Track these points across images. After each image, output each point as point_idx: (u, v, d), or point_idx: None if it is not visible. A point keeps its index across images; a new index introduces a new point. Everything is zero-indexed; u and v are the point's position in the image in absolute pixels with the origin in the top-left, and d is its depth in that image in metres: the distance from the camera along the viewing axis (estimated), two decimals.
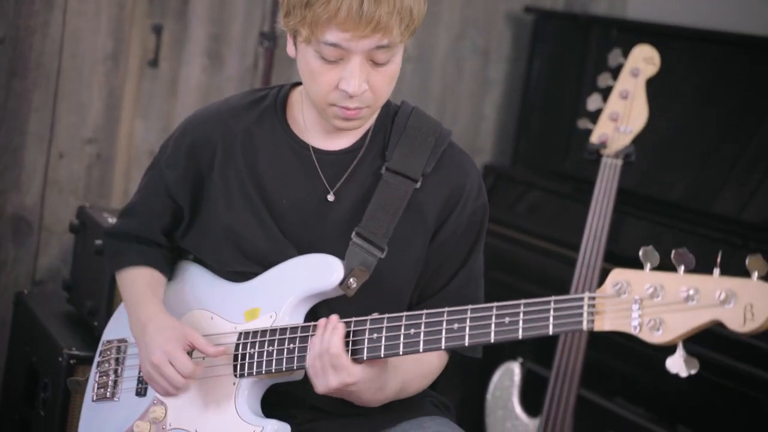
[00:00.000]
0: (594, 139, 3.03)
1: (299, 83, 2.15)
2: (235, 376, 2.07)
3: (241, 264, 2.13)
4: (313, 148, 2.13)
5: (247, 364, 2.06)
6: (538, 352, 3.37)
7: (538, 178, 3.80)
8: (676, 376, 2.97)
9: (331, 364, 1.92)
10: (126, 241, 2.26)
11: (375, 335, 1.92)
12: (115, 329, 2.32)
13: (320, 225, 2.11)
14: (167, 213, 2.21)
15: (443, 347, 1.89)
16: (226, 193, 2.14)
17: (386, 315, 1.93)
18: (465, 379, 2.20)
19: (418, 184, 2.10)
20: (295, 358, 2.01)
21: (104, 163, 3.56)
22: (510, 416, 3.21)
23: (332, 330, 1.94)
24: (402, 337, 1.91)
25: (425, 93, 3.98)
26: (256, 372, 2.05)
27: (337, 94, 1.99)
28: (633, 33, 3.58)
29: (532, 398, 3.21)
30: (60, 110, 3.47)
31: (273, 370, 2.03)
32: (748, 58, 3.40)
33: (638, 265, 3.06)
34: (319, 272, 2.05)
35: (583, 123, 3.07)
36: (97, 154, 3.54)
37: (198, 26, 3.63)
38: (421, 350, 1.89)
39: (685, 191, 3.39)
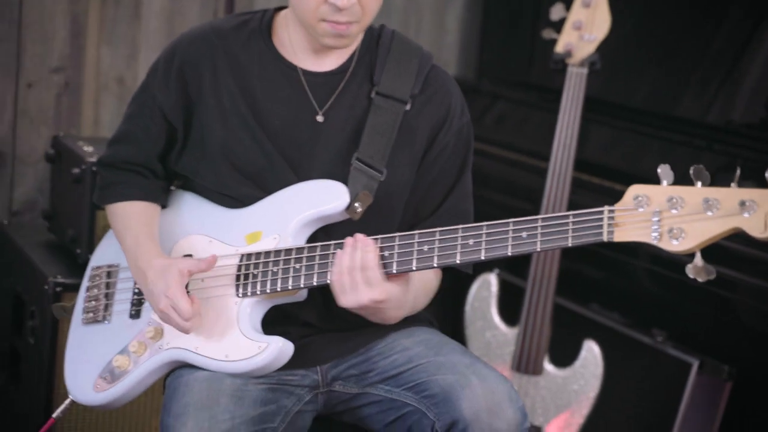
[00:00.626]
0: (559, 48, 3.07)
1: (281, 8, 2.22)
2: (238, 295, 2.13)
3: (238, 183, 2.19)
4: (301, 69, 2.19)
5: (250, 284, 2.12)
6: (512, 262, 3.44)
7: (503, 90, 3.85)
8: (650, 280, 3.08)
9: (365, 280, 2.00)
10: (120, 170, 2.29)
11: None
12: (103, 255, 2.37)
13: (312, 145, 2.17)
14: (162, 136, 2.24)
15: (458, 261, 1.99)
16: (219, 112, 2.19)
17: (416, 231, 2.02)
18: (442, 292, 2.27)
19: (408, 106, 2.18)
20: (302, 276, 2.08)
21: (73, 91, 3.56)
22: (489, 326, 3.29)
23: (364, 247, 2.00)
24: (437, 250, 2.00)
25: (388, 7, 3.99)
26: (260, 291, 2.11)
27: (327, 8, 2.05)
28: None
29: (509, 308, 3.29)
30: (25, 40, 3.46)
31: (278, 289, 2.10)
32: None
33: (606, 172, 3.14)
34: (326, 197, 2.12)
35: (547, 33, 3.11)
36: (65, 82, 3.54)
37: None
38: (458, 261, 1.99)
39: (648, 96, 3.45)
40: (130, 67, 3.65)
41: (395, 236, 2.03)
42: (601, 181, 3.29)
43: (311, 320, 2.18)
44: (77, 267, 2.81)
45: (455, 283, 3.41)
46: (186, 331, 2.12)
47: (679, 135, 3.23)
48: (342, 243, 2.05)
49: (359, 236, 2.03)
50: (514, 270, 3.42)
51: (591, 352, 3.12)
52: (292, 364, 2.11)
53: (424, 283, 2.18)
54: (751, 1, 3.24)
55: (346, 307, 2.03)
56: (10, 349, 3.04)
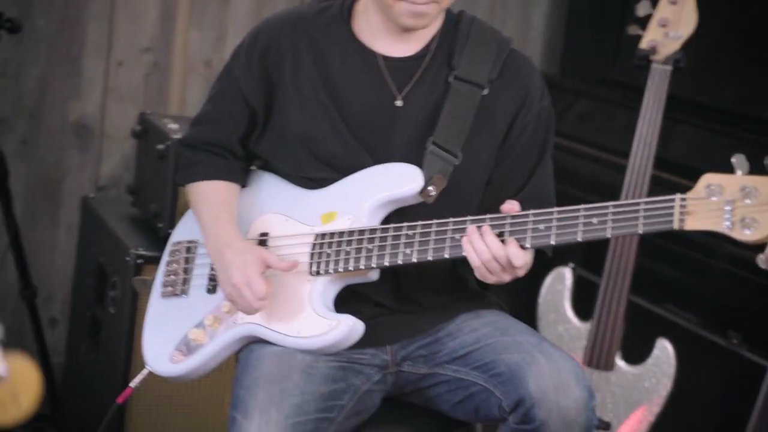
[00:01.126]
0: (644, 45, 3.05)
1: None
2: (311, 273, 2.17)
3: (315, 168, 2.23)
4: (381, 55, 2.22)
5: (323, 263, 2.16)
6: (588, 257, 3.44)
7: (586, 86, 3.85)
8: (727, 282, 3.07)
9: (507, 265, 2.01)
10: (202, 151, 2.34)
11: (542, 226, 2.00)
12: (183, 231, 2.42)
13: (390, 130, 2.21)
14: (243, 118, 2.29)
15: (528, 246, 2.00)
16: (299, 98, 2.23)
17: (532, 210, 2.02)
18: (516, 283, 2.29)
19: (486, 91, 2.20)
20: (374, 257, 2.12)
21: (161, 71, 3.64)
22: (562, 320, 3.29)
23: (486, 237, 2.01)
24: (554, 228, 2.00)
25: (474, 2, 4.01)
26: (333, 270, 2.15)
27: None
28: None
29: (583, 303, 3.29)
30: (117, 20, 3.54)
31: (351, 268, 2.13)
32: None
33: (689, 172, 3.12)
34: (400, 180, 2.16)
35: (632, 29, 3.10)
36: (154, 62, 3.63)
37: None
38: (527, 246, 2.01)
39: (735, 97, 3.43)
40: (218, 50, 3.72)
41: (526, 213, 2.03)
42: (680, 179, 3.28)
43: (383, 301, 2.22)
44: (158, 241, 2.88)
45: (530, 274, 3.44)
46: (254, 312, 2.16)
47: (764, 137, 3.22)
48: (425, 225, 2.08)
49: (485, 229, 2.03)
50: (589, 266, 3.42)
51: (664, 350, 3.11)
52: (362, 343, 2.15)
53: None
54: None
55: (492, 282, 2.06)
56: (91, 319, 3.12)
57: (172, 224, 2.86)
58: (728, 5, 3.39)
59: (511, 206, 2.04)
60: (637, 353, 3.17)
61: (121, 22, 3.55)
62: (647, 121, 3.04)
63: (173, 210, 2.90)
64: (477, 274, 2.05)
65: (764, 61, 3.36)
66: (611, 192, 3.12)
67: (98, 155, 3.60)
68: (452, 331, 2.20)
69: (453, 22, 2.26)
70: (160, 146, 2.89)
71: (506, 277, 2.04)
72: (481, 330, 2.17)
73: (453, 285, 2.27)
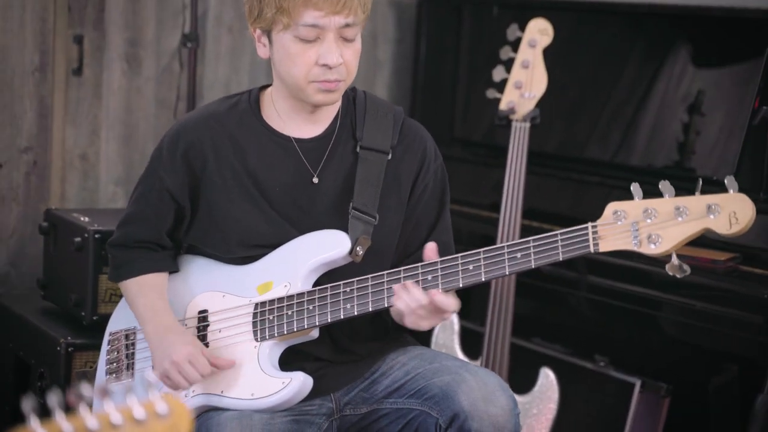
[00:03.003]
0: (503, 106, 3.40)
1: (264, 87, 2.50)
2: (256, 340, 2.37)
3: (246, 249, 2.43)
4: (293, 138, 2.46)
5: (267, 329, 2.37)
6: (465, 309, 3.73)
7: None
8: (588, 309, 3.41)
9: (435, 310, 2.26)
10: (131, 249, 2.50)
11: (430, 276, 2.26)
12: (119, 321, 2.58)
13: (311, 205, 2.43)
14: (170, 215, 2.47)
15: (461, 285, 2.26)
16: (224, 188, 2.43)
17: (439, 259, 2.28)
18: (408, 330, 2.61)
19: (389, 156, 2.46)
20: (316, 316, 2.34)
21: (41, 169, 3.76)
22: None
23: (410, 290, 2.26)
24: (451, 275, 2.26)
25: None
26: (278, 333, 2.36)
27: (317, 69, 2.33)
28: (507, 9, 3.98)
29: (470, 347, 3.57)
30: None
31: (296, 329, 2.35)
32: (597, 23, 3.83)
33: (546, 216, 3.45)
34: (329, 244, 2.38)
35: (490, 93, 3.44)
36: (33, 161, 3.74)
37: (115, 33, 3.86)
38: (461, 285, 2.26)
39: (560, 142, 3.81)
40: (93, 143, 3.87)
41: (417, 266, 2.29)
42: (540, 224, 3.64)
43: (323, 356, 2.44)
44: (83, 329, 3.03)
45: None
46: (187, 387, 2.34)
47: (592, 176, 3.61)
48: (361, 280, 2.32)
49: (408, 284, 2.27)
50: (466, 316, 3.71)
51: (547, 378, 3.43)
52: (310, 395, 2.36)
53: None
54: (645, 56, 3.66)
55: (425, 329, 2.31)
56: (12, 411, 3.20)
57: (94, 311, 3.01)
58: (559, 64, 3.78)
59: (431, 249, 2.30)
60: (522, 385, 3.48)
61: (0, 124, 3.66)
62: (513, 173, 3.36)
63: (95, 297, 3.03)
64: (408, 321, 2.29)
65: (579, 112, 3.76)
66: (488, 242, 3.42)
67: None
68: (385, 370, 2.45)
69: (350, 99, 2.51)
70: (77, 239, 3.03)
71: (436, 321, 2.30)
72: (410, 363, 2.43)
73: (379, 331, 2.52)
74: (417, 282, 2.27)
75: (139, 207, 2.50)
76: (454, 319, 3.59)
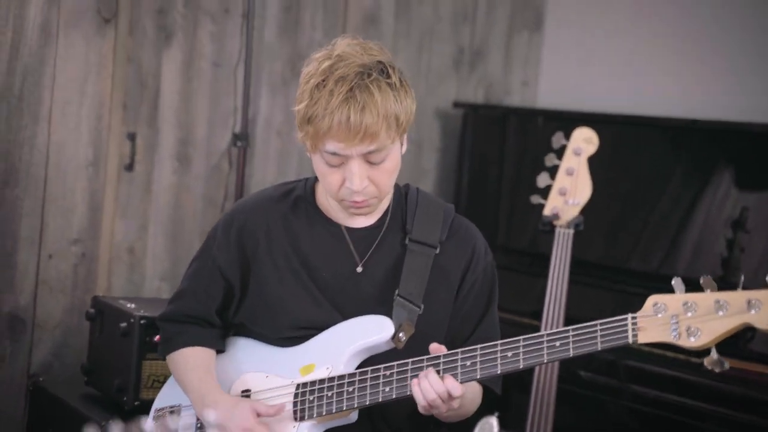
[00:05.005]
0: (547, 212, 3.43)
1: None
2: (296, 419, 2.40)
3: (293, 330, 2.48)
4: (344, 226, 2.51)
5: (307, 409, 2.40)
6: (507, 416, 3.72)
7: None
8: (626, 418, 3.38)
9: (444, 401, 2.29)
10: (182, 323, 2.57)
11: (469, 363, 2.29)
12: (165, 398, 2.61)
13: (357, 292, 2.48)
14: (220, 293, 2.54)
15: (499, 371, 2.28)
16: (275, 268, 2.49)
17: (460, 349, 2.32)
18: None
19: (438, 250, 2.51)
20: (355, 398, 2.36)
21: (89, 261, 3.82)
22: None
23: (433, 381, 2.28)
24: (489, 361, 2.29)
25: None
26: (317, 414, 2.38)
27: (345, 190, 2.39)
28: (551, 120, 4.05)
29: None
30: (48, 215, 3.72)
31: (335, 410, 2.37)
32: (641, 136, 3.88)
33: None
34: (373, 329, 2.42)
35: (535, 199, 3.48)
36: (82, 253, 3.80)
37: (167, 131, 3.96)
38: (499, 371, 2.28)
39: (603, 253, 3.82)
40: (141, 238, 3.94)
41: (457, 352, 2.32)
42: None
43: None
44: (124, 413, 3.04)
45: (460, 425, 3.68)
46: None
47: (632, 287, 3.61)
48: (401, 364, 2.34)
49: (422, 374, 2.31)
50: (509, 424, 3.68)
51: None
52: None
53: (472, 397, 2.47)
54: (689, 177, 3.70)
55: (441, 417, 2.33)
56: None
57: (137, 396, 3.04)
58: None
59: (438, 347, 2.32)
60: None
61: (51, 216, 3.71)
62: (556, 280, 3.38)
63: (138, 382, 3.06)
64: (420, 408, 2.31)
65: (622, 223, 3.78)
66: None
67: (29, 344, 3.70)
68: None
69: (402, 193, 2.58)
70: (123, 324, 3.07)
71: (444, 410, 2.30)
72: None
73: (419, 424, 2.52)
74: (456, 368, 2.30)
75: (191, 283, 2.57)
76: (494, 425, 3.56)
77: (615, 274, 3.78)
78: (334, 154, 2.33)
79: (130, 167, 3.89)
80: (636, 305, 3.57)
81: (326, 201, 2.53)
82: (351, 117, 2.28)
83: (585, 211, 3.42)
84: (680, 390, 3.28)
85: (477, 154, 4.40)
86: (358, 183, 2.34)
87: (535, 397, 3.35)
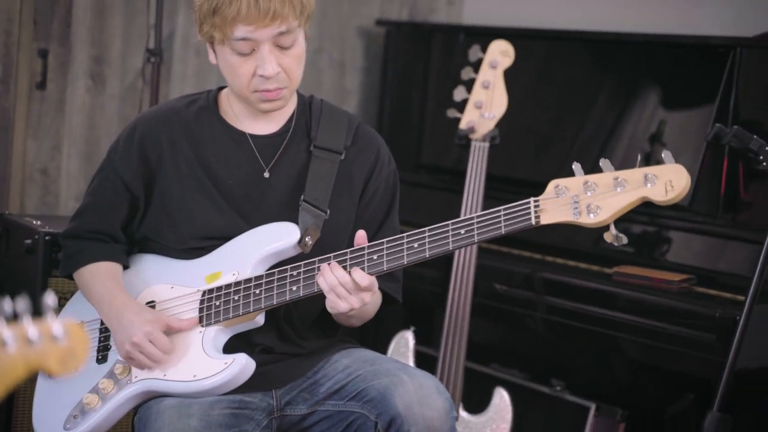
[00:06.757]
0: (463, 125, 3.41)
1: (222, 87, 2.53)
2: (201, 325, 2.38)
3: (198, 240, 2.45)
4: (248, 134, 2.48)
5: (213, 314, 2.38)
6: (425, 333, 3.73)
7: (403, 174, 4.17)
8: (542, 329, 3.39)
9: (354, 288, 2.27)
10: (85, 240, 2.52)
11: (375, 256, 2.28)
12: (68, 314, 2.58)
13: (263, 199, 2.46)
14: (124, 206, 2.49)
15: (405, 262, 2.28)
16: (178, 179, 2.46)
17: (367, 244, 2.31)
18: (365, 343, 2.60)
19: (342, 156, 2.49)
20: (262, 299, 2.35)
21: (0, 181, 3.75)
22: None
23: (333, 268, 2.28)
24: (395, 253, 2.28)
25: None
26: (223, 318, 2.37)
27: (257, 80, 2.37)
28: (474, 37, 4.00)
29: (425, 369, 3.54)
30: None
31: (240, 313, 2.35)
32: (573, 53, 3.87)
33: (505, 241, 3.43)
34: (279, 235, 2.40)
35: (451, 112, 3.45)
36: None
37: (80, 48, 3.87)
38: (405, 262, 2.28)
39: (529, 170, 3.81)
40: (54, 158, 3.86)
41: (364, 247, 2.31)
42: (499, 247, 3.65)
43: (268, 343, 2.44)
44: None
45: (376, 336, 3.69)
46: (154, 366, 2.34)
47: None
48: (308, 262, 2.34)
49: (332, 263, 2.30)
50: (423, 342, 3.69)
51: (502, 398, 3.41)
52: (253, 386, 2.37)
53: (374, 299, 2.45)
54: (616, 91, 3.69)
55: (342, 311, 2.30)
56: None
57: (42, 315, 2.98)
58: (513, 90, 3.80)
59: (361, 236, 2.32)
60: (475, 406, 3.46)
61: None
62: (472, 192, 3.37)
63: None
64: (328, 302, 2.30)
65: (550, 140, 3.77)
66: (449, 264, 3.41)
67: None
68: (327, 371, 2.45)
69: (306, 102, 2.56)
70: (28, 241, 3.01)
71: (354, 302, 2.29)
72: (353, 365, 2.42)
73: (329, 324, 2.52)
74: (363, 261, 2.30)
75: (94, 198, 2.53)
76: (410, 339, 3.57)
77: (530, 189, 3.76)
78: (244, 39, 2.33)
79: (41, 85, 3.81)
80: None
81: (230, 109, 2.50)
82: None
83: (510, 128, 3.40)
84: (595, 300, 3.29)
85: (401, 74, 4.35)
86: (271, 69, 2.35)
87: (450, 311, 3.34)
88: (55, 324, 1.16)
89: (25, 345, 1.14)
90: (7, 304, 1.17)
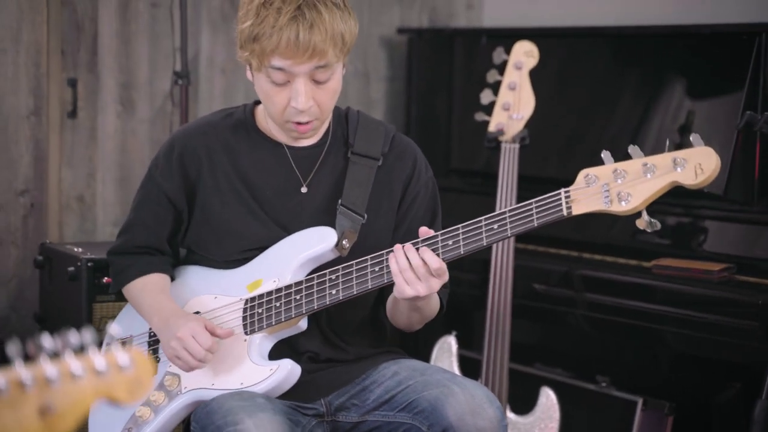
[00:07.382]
0: (491, 128, 3.42)
1: (258, 102, 2.55)
2: (246, 333, 2.42)
3: (238, 251, 2.49)
4: (286, 145, 2.52)
5: (256, 321, 2.42)
6: (467, 337, 3.74)
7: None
8: (583, 326, 3.40)
9: (426, 273, 2.28)
10: (132, 254, 2.57)
11: (450, 241, 2.29)
12: (120, 323, 2.63)
13: (301, 210, 2.49)
14: (169, 219, 2.54)
15: (458, 253, 2.29)
16: (218, 193, 2.50)
17: (439, 232, 2.32)
18: (408, 351, 2.62)
19: (380, 162, 2.53)
20: (303, 304, 2.38)
21: (38, 211, 3.78)
22: None
23: (411, 249, 2.30)
24: (461, 239, 2.29)
25: None
26: (266, 325, 2.41)
27: (290, 110, 2.40)
28: (496, 39, 4.01)
29: (469, 373, 3.56)
30: None
31: (283, 319, 2.39)
32: (596, 49, 3.87)
33: (542, 240, 3.44)
34: (316, 239, 2.44)
35: (479, 116, 3.47)
36: (30, 204, 3.77)
37: (108, 75, 3.91)
38: (462, 252, 2.29)
39: (560, 168, 3.82)
40: (89, 185, 3.90)
41: (435, 235, 2.32)
42: (535, 246, 3.65)
43: (314, 348, 2.47)
44: None
45: (419, 344, 3.70)
46: (197, 364, 2.36)
47: None
48: (346, 266, 2.37)
49: (398, 246, 2.31)
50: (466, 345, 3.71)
51: (548, 398, 3.42)
52: (299, 397, 2.40)
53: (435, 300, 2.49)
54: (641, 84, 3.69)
55: (410, 296, 2.30)
56: None
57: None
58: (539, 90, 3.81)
59: (426, 230, 2.33)
60: (522, 407, 3.46)
61: None
62: (505, 194, 3.38)
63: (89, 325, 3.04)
64: (396, 290, 2.31)
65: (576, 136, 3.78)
66: (485, 266, 3.43)
67: None
68: (376, 378, 2.47)
69: (342, 113, 2.59)
70: (71, 268, 3.05)
71: (421, 289, 2.29)
72: (402, 374, 2.45)
73: (374, 333, 2.56)
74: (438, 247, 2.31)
75: (138, 213, 2.58)
76: (453, 344, 3.58)
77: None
78: (280, 69, 2.34)
79: (72, 114, 3.84)
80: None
81: (266, 123, 2.54)
82: (300, 35, 2.30)
83: (539, 128, 3.41)
84: (635, 294, 3.29)
85: (425, 80, 4.37)
86: (304, 102, 2.36)
87: (491, 314, 3.36)
88: (120, 354, 1.18)
89: (94, 376, 1.16)
90: (74, 337, 1.20)
